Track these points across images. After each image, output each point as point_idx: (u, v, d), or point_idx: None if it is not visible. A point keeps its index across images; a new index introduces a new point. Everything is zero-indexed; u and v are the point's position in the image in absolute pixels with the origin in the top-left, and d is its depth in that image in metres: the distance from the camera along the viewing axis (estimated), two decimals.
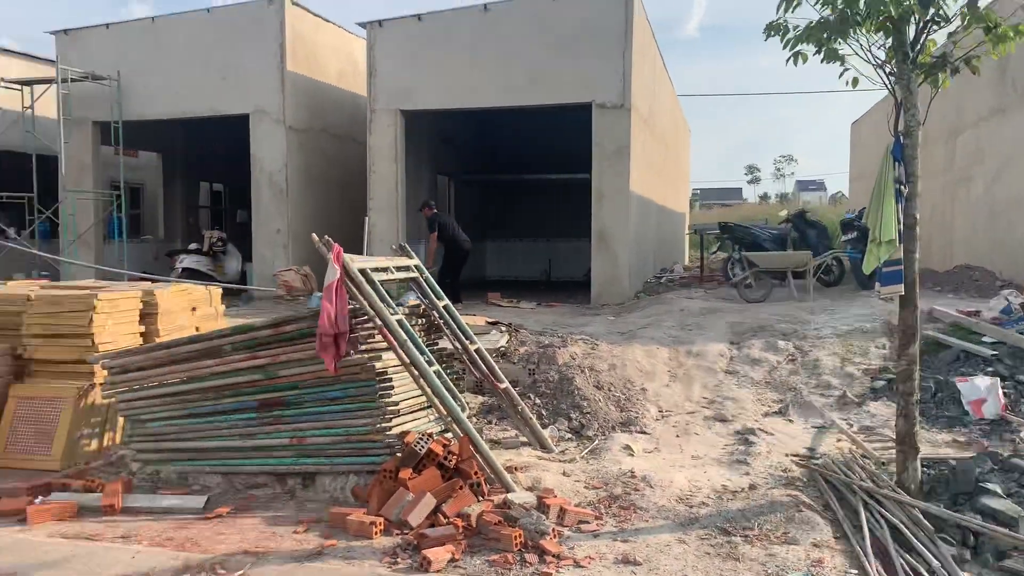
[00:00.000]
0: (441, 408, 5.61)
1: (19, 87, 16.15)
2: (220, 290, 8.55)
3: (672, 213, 21.65)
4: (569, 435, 6.98)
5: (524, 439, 6.72)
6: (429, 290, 6.58)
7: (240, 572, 4.38)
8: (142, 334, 7.22)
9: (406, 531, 4.86)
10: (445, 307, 6.57)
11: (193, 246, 15.62)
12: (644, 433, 7.03)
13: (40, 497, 5.55)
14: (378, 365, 5.63)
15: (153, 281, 8.98)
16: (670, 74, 19.69)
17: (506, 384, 6.67)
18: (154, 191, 20.86)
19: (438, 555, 4.46)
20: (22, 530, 5.13)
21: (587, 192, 13.31)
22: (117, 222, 16.46)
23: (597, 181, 13.10)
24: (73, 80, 15.26)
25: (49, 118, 15.95)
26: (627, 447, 6.61)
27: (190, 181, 21.48)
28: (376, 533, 4.83)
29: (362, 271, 5.68)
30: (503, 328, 9.29)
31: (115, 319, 6.94)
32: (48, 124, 15.98)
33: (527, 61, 13.24)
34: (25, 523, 5.21)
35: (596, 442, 6.75)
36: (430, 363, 5.72)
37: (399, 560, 4.54)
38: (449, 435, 5.74)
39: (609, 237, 13.09)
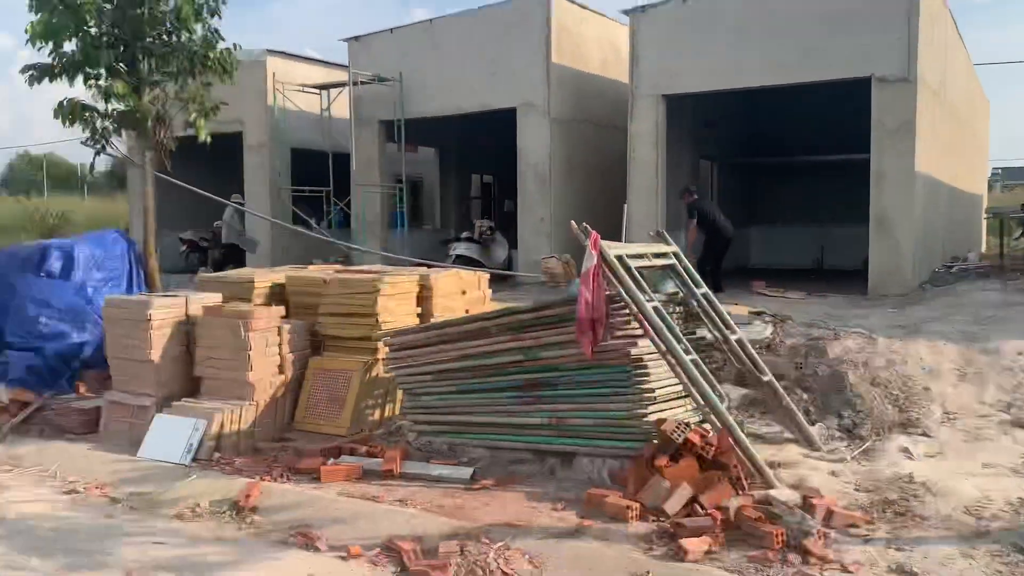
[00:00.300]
0: (698, 398, 5.50)
1: (317, 91, 18.06)
2: (488, 275, 9.00)
3: (966, 195, 19.51)
4: (839, 434, 6.55)
5: (789, 435, 6.40)
6: (687, 277, 6.46)
7: (502, 543, 4.59)
8: (419, 315, 7.78)
9: (662, 519, 4.83)
10: (704, 295, 6.42)
11: (465, 234, 16.55)
12: (926, 436, 6.42)
13: (331, 459, 6.19)
14: (634, 352, 5.63)
15: (430, 266, 9.64)
16: (965, 42, 17.71)
17: (769, 377, 6.39)
18: (431, 184, 22.41)
19: (694, 545, 4.39)
20: (316, 487, 5.75)
21: (865, 173, 12.37)
22: (400, 213, 17.89)
23: (877, 161, 12.12)
24: (362, 83, 16.74)
25: (343, 119, 17.65)
26: (905, 450, 6.08)
27: (463, 174, 22.78)
28: (632, 518, 4.85)
29: (619, 258, 5.71)
30: (767, 318, 8.92)
31: (396, 301, 7.54)
32: (342, 124, 17.69)
33: (798, 36, 12.53)
34: (319, 481, 5.82)
35: (870, 442, 6.27)
36: (687, 352, 5.62)
37: (654, 547, 4.52)
38: (707, 426, 5.62)
39: (890, 222, 12.07)
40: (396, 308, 7.52)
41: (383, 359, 7.06)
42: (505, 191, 22.70)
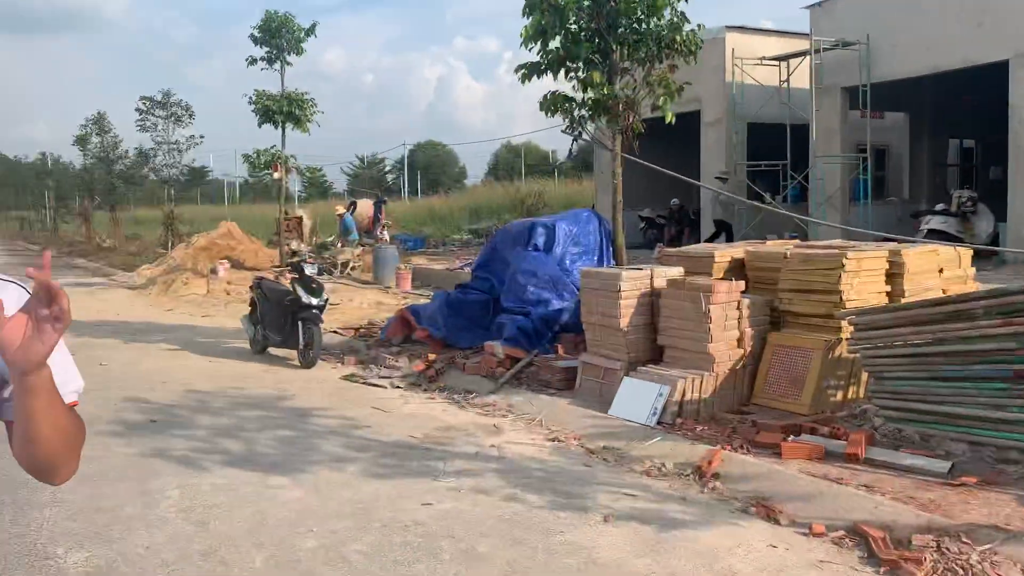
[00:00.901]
0: None
1: (776, 63, 17.70)
2: (970, 252, 8.09)
3: None
4: None
5: None
6: None
7: (988, 546, 4.16)
8: (887, 293, 7.30)
9: None
10: None
11: (940, 207, 15.04)
12: None
13: (791, 436, 6.13)
14: None
15: (898, 242, 8.95)
16: None
17: None
18: (899, 152, 20.66)
19: None
20: (775, 462, 5.75)
21: None
22: (862, 184, 16.84)
23: None
24: (824, 49, 16.02)
25: (801, 89, 17.08)
26: None
27: (937, 139, 20.64)
28: None
29: None
30: None
31: (861, 278, 7.16)
32: (800, 95, 17.13)
33: None
34: (779, 456, 5.82)
35: None
36: None
37: None
38: None
39: None
40: (861, 285, 7.15)
41: (847, 339, 6.77)
42: (990, 156, 20.14)
